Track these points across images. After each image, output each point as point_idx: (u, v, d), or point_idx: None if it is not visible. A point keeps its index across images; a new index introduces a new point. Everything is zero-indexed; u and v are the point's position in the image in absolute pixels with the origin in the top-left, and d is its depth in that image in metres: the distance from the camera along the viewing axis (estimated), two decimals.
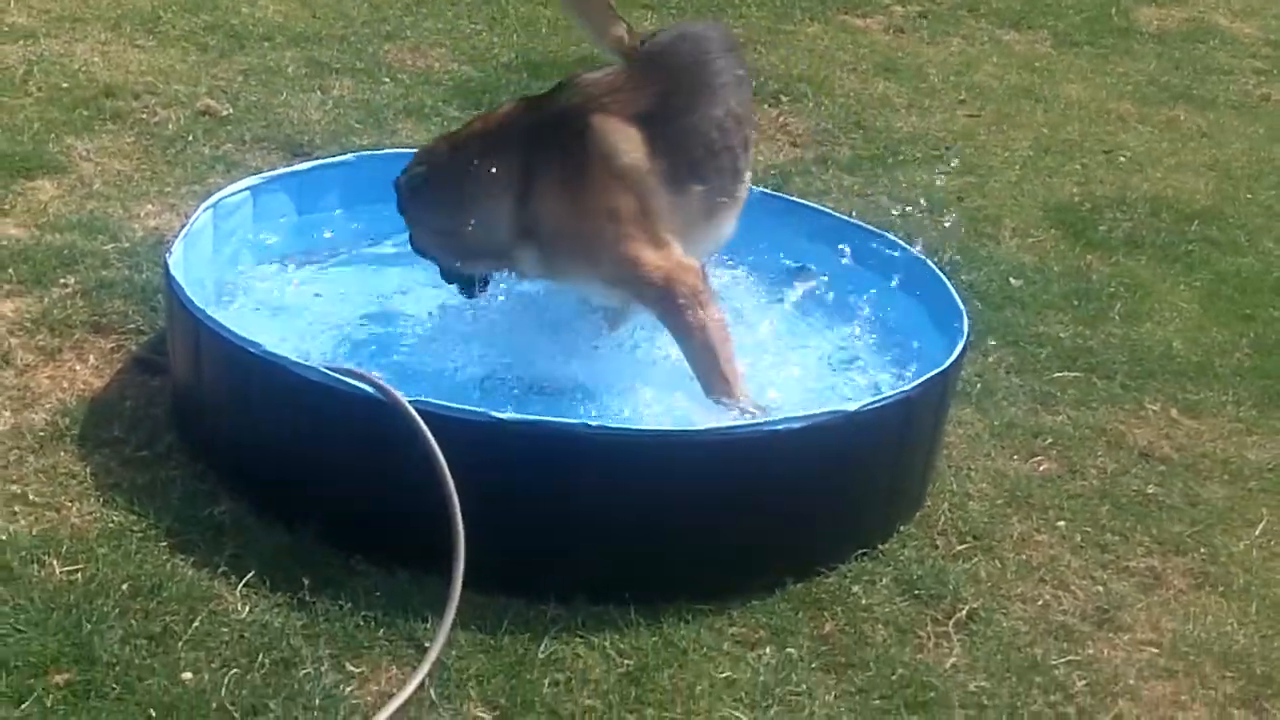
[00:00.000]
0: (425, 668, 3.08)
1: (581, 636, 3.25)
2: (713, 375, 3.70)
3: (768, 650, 3.30)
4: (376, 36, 6.78)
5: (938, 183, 5.98)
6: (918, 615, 3.48)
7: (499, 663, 3.16)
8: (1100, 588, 3.68)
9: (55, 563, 3.25)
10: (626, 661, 3.21)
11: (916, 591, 3.54)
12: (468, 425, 3.27)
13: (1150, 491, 4.10)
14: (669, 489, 3.33)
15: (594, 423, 3.29)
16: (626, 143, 3.75)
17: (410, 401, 3.26)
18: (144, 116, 5.60)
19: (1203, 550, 3.87)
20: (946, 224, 5.57)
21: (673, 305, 3.70)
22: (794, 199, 4.82)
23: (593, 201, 3.74)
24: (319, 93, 6.05)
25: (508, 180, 3.77)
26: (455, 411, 3.30)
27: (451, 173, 3.86)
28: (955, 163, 6.15)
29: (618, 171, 3.73)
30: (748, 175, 4.11)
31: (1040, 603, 3.60)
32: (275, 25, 6.76)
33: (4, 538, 3.32)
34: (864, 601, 3.48)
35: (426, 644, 3.15)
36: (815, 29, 7.80)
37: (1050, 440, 4.26)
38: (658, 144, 3.78)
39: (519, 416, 3.33)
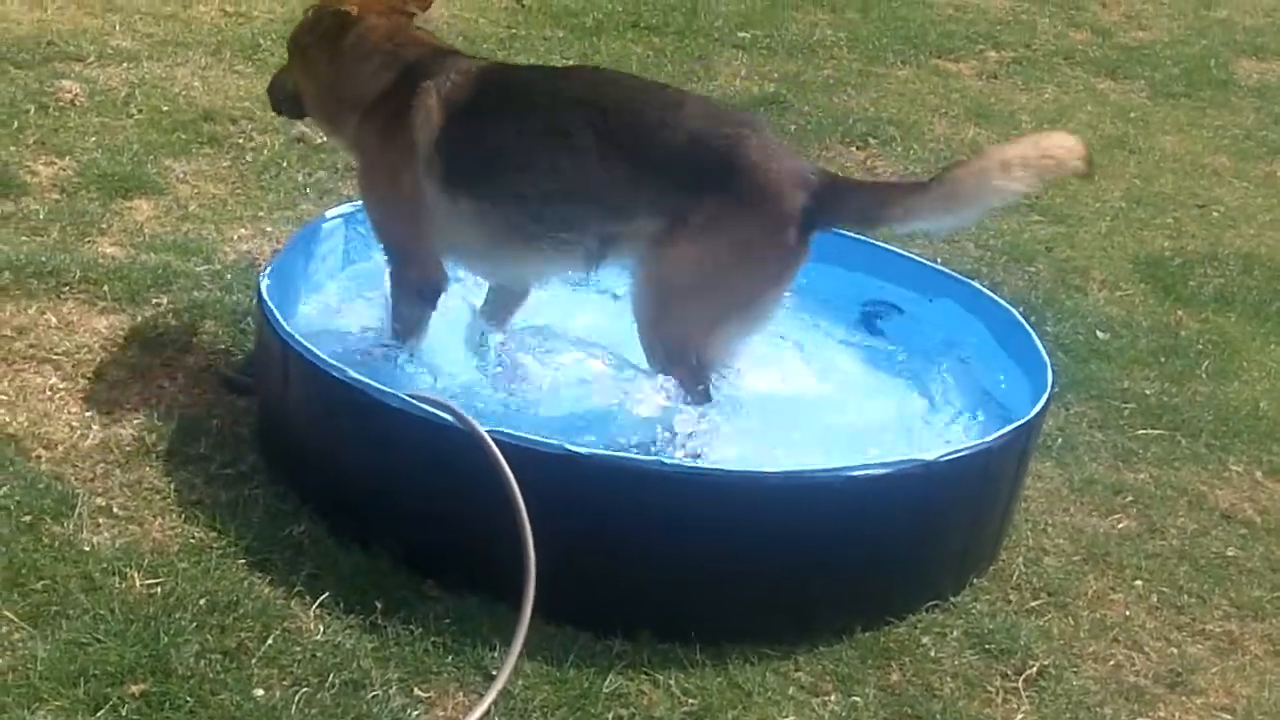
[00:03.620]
0: (492, 695, 3.11)
1: (647, 673, 3.26)
2: None
3: (833, 697, 3.29)
4: None
5: (1026, 231, 5.95)
6: (987, 670, 3.45)
7: (564, 694, 3.17)
8: (1175, 650, 3.63)
9: (136, 575, 3.32)
10: (691, 701, 3.21)
11: (987, 646, 3.51)
12: (544, 457, 3.30)
13: (1230, 554, 4.04)
14: (740, 530, 3.33)
15: (669, 460, 3.30)
16: None
17: (488, 431, 3.29)
18: (240, 141, 5.70)
19: None
20: (1033, 273, 5.55)
21: None
22: (878, 243, 4.80)
23: None
24: None
25: None
26: (532, 443, 3.33)
27: None
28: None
29: None
30: None
31: (1112, 662, 3.56)
32: None
33: (87, 549, 3.39)
34: (933, 653, 3.46)
35: (494, 672, 3.17)
36: (906, 72, 7.79)
37: (1130, 498, 4.21)
38: None
39: (594, 451, 3.35)
